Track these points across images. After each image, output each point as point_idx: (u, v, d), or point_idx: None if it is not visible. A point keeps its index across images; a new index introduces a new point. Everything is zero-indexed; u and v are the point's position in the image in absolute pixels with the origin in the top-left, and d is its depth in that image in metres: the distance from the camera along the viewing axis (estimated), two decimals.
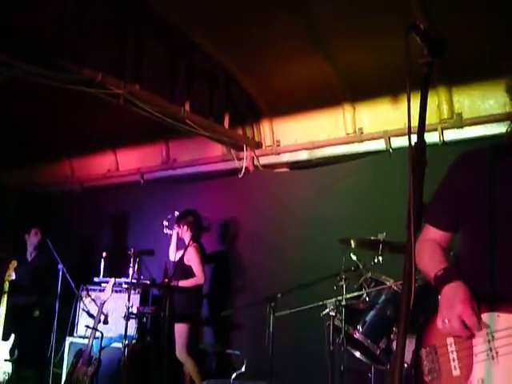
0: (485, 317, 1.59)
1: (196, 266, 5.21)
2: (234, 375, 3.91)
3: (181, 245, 5.47)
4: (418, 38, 1.33)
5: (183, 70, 4.91)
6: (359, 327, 3.46)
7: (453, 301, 1.62)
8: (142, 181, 6.73)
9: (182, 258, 5.16)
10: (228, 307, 5.07)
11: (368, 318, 3.50)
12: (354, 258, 3.84)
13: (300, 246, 5.33)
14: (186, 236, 5.39)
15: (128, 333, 4.66)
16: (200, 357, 5.26)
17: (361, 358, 3.64)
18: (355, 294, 3.61)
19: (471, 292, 1.63)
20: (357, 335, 3.45)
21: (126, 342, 4.59)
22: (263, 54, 4.91)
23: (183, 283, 5.13)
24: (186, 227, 5.40)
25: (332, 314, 3.53)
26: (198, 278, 5.18)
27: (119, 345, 4.79)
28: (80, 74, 3.90)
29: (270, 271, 5.55)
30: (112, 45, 4.25)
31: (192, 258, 5.24)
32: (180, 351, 5.05)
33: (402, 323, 1.20)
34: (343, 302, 3.51)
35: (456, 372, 1.62)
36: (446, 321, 1.61)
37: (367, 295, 3.58)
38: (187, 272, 5.21)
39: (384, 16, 3.95)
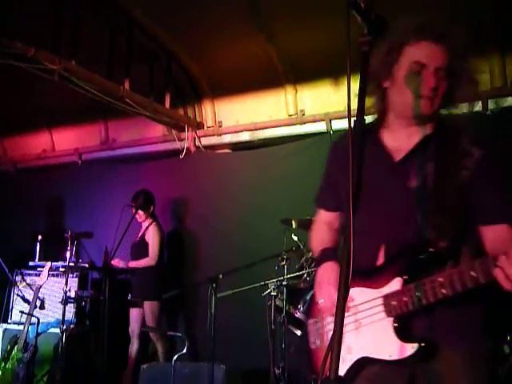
0: (352, 291, 1.69)
1: (152, 246, 5.16)
2: (175, 357, 3.89)
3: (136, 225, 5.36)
4: (359, 16, 1.33)
5: (123, 47, 4.77)
6: (300, 306, 3.52)
7: (321, 283, 1.81)
8: (79, 161, 6.53)
9: (142, 236, 5.15)
10: (171, 289, 5.02)
11: (308, 297, 3.56)
12: (295, 238, 3.89)
13: (242, 227, 5.35)
14: (141, 217, 5.29)
15: (66, 318, 4.55)
16: (142, 339, 5.21)
17: (302, 336, 3.71)
18: (296, 273, 3.66)
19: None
20: (298, 314, 3.51)
21: (64, 326, 4.48)
22: (206, 33, 4.85)
23: (132, 264, 5.08)
24: (138, 210, 5.28)
25: (273, 293, 3.58)
26: (150, 258, 5.13)
27: (57, 330, 4.67)
28: (12, 47, 3.73)
29: (212, 252, 5.55)
30: (47, 19, 4.06)
31: (152, 238, 5.19)
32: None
33: (340, 300, 1.23)
34: (284, 282, 3.56)
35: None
36: (321, 301, 1.79)
37: (308, 275, 3.64)
38: (146, 251, 5.17)
39: None
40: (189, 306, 5.31)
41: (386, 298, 1.63)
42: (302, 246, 3.84)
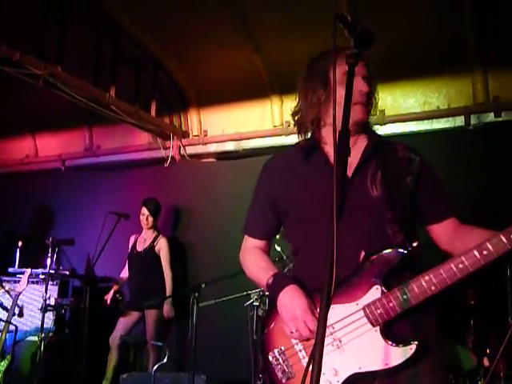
0: None
1: (166, 260, 5.21)
2: (155, 367, 3.86)
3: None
4: (345, 29, 1.35)
5: (109, 54, 4.75)
6: None
7: (293, 311, 1.68)
8: (63, 168, 6.46)
9: (151, 248, 5.19)
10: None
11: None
12: (278, 249, 3.89)
13: (225, 237, 5.32)
14: (149, 224, 5.28)
15: (45, 325, 4.49)
16: (123, 349, 5.16)
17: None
18: None
19: (304, 291, 1.72)
20: None
21: (43, 334, 4.42)
22: (193, 42, 4.85)
23: (169, 291, 5.11)
24: (149, 216, 5.27)
25: (256, 304, 3.57)
26: (169, 277, 5.16)
27: (35, 338, 4.60)
28: None
29: (195, 261, 5.53)
30: (34, 23, 4.03)
31: (164, 251, 5.23)
32: (153, 338, 5.00)
33: (322, 311, 1.21)
34: (267, 293, 3.55)
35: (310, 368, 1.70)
36: (294, 330, 1.68)
37: None
38: (154, 263, 5.19)
39: (313, 9, 4.01)
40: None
41: (368, 308, 1.62)
42: (284, 257, 3.84)
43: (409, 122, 4.76)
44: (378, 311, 1.61)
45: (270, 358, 1.78)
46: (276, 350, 1.78)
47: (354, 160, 1.72)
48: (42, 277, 5.12)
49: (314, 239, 1.75)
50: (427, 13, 4.06)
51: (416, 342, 1.58)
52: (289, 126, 5.26)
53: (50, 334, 4.86)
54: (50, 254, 4.85)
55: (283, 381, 1.74)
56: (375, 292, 1.63)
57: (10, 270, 5.51)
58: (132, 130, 5.76)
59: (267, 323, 1.83)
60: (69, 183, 6.32)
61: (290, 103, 5.93)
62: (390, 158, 1.77)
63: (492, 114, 4.51)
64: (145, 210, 5.25)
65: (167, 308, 5.01)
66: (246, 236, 2.05)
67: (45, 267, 4.93)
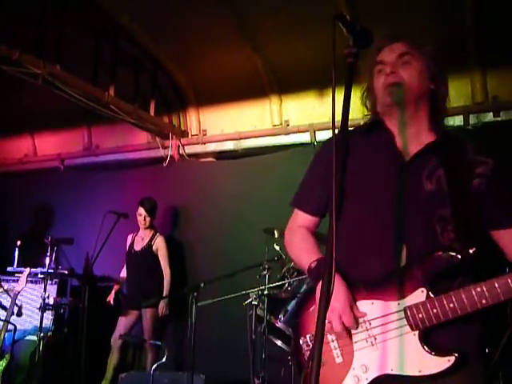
0: (361, 305, 1.65)
1: (164, 259, 5.20)
2: (154, 366, 3.85)
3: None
4: (344, 28, 1.34)
5: (108, 53, 4.75)
6: (281, 316, 3.51)
7: (331, 302, 1.59)
8: (61, 167, 6.46)
9: (149, 247, 5.17)
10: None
11: (289, 307, 3.55)
12: (277, 248, 3.89)
13: (224, 236, 5.34)
14: (146, 223, 5.27)
15: (44, 325, 4.48)
16: (122, 347, 5.16)
17: (282, 346, 3.69)
18: (277, 283, 3.66)
19: (345, 282, 1.66)
20: (278, 324, 3.50)
21: (42, 334, 4.41)
22: (192, 42, 4.85)
23: (167, 292, 5.08)
24: (146, 216, 5.26)
25: (254, 303, 3.57)
26: (168, 275, 5.14)
27: (34, 337, 4.59)
28: None
29: (194, 261, 5.53)
30: (32, 22, 4.03)
31: (162, 250, 5.22)
32: (151, 338, 4.99)
33: (321, 310, 1.20)
34: (265, 292, 3.55)
35: (339, 359, 1.68)
36: (327, 322, 1.61)
37: (289, 285, 3.64)
38: (152, 262, 5.18)
39: (312, 8, 4.01)
40: (169, 315, 5.26)
41: (410, 310, 1.56)
42: (283, 256, 3.84)
43: None
44: (420, 315, 1.54)
45: (301, 342, 1.75)
46: (308, 336, 1.75)
47: (413, 150, 1.70)
48: (40, 276, 5.11)
49: (363, 225, 1.71)
50: (426, 12, 4.06)
51: (456, 355, 1.51)
52: (288, 125, 5.27)
53: (49, 334, 4.84)
54: (48, 254, 4.84)
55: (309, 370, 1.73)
56: (420, 295, 1.57)
57: (9, 269, 5.49)
58: (131, 130, 5.75)
59: (304, 307, 1.79)
60: (68, 182, 6.31)
61: (289, 102, 5.95)
62: (458, 159, 1.69)
63: (491, 114, 4.51)
64: (142, 210, 5.24)
65: (162, 306, 5.00)
66: (295, 210, 1.94)
67: (43, 266, 4.92)
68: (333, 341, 1.69)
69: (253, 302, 3.57)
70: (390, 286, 1.61)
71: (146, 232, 5.31)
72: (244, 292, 3.65)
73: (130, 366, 5.42)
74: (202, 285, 3.71)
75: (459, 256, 1.55)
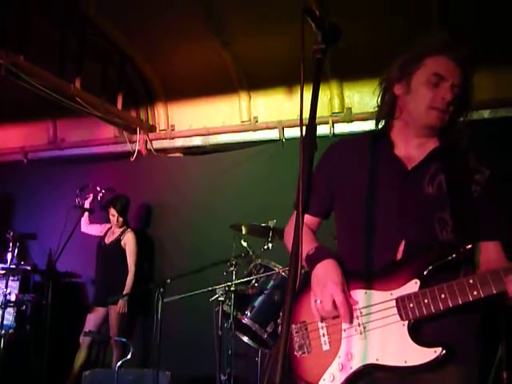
0: (354, 294, 1.68)
1: (131, 255, 5.10)
2: (119, 363, 3.81)
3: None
4: (313, 24, 1.35)
5: (75, 44, 4.65)
6: (247, 312, 3.51)
7: (324, 281, 1.66)
8: (25, 160, 6.31)
9: (118, 241, 5.09)
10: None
11: (256, 303, 3.57)
12: (244, 244, 3.89)
13: (192, 232, 5.32)
14: (119, 223, 5.19)
15: (5, 322, 4.39)
16: (90, 345, 5.09)
17: (248, 342, 3.70)
18: (245, 279, 3.66)
19: (342, 270, 1.70)
20: (245, 320, 3.50)
21: (3, 331, 4.32)
22: (161, 35, 4.81)
23: (128, 289, 4.96)
24: (118, 217, 5.17)
25: (221, 299, 3.56)
26: (131, 272, 5.03)
27: None
28: None
29: (161, 255, 5.49)
30: None
31: (130, 246, 5.12)
32: (116, 334, 4.92)
33: (287, 306, 1.21)
34: (232, 288, 3.55)
35: (326, 347, 1.70)
36: (319, 301, 1.65)
37: (256, 281, 3.64)
38: (119, 257, 5.09)
39: (282, 4, 4.01)
40: (135, 311, 5.21)
41: (402, 300, 1.58)
42: (251, 252, 3.84)
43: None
44: (411, 305, 1.56)
45: (292, 329, 1.77)
46: (299, 323, 1.77)
47: (418, 158, 1.73)
48: (2, 272, 5.00)
49: (360, 225, 1.75)
50: (397, 10, 4.10)
51: (440, 348, 1.51)
52: (256, 121, 5.27)
53: (11, 331, 4.75)
54: (10, 249, 4.74)
55: (297, 354, 1.74)
56: (413, 286, 1.58)
57: None
58: (97, 123, 5.65)
59: (298, 294, 1.79)
60: (31, 176, 6.17)
61: (258, 99, 5.93)
62: (459, 166, 1.72)
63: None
64: (113, 211, 5.16)
65: (120, 303, 4.91)
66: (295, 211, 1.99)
67: (5, 262, 4.82)
68: (322, 328, 1.71)
69: (219, 298, 3.56)
70: (385, 277, 1.64)
71: (118, 229, 5.24)
72: (211, 288, 3.64)
73: (96, 363, 5.34)
74: (169, 280, 3.68)
75: (454, 251, 1.57)
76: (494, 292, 1.47)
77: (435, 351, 1.51)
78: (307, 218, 1.92)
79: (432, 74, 1.67)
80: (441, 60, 1.69)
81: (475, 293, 1.48)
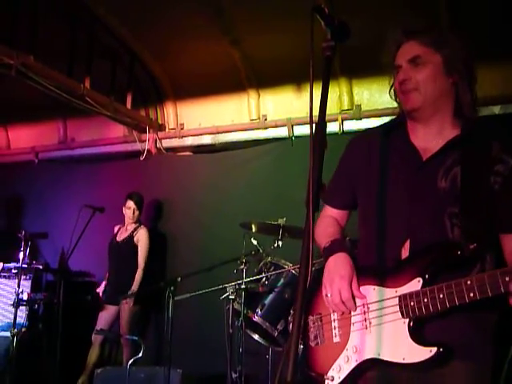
0: (364, 289, 1.71)
1: (143, 251, 5.10)
2: (130, 361, 3.83)
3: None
4: (323, 21, 1.35)
5: (84, 44, 4.68)
6: (258, 310, 3.52)
7: (333, 275, 1.71)
8: (36, 160, 6.35)
9: (130, 238, 5.10)
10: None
11: (267, 301, 3.57)
12: (254, 242, 3.89)
13: (202, 230, 5.32)
14: (134, 218, 5.21)
15: (18, 321, 4.41)
16: (103, 343, 5.11)
17: (259, 340, 3.71)
18: (255, 277, 3.66)
19: (352, 263, 1.73)
20: (255, 318, 3.51)
21: (15, 330, 4.34)
22: (170, 34, 4.81)
23: (136, 286, 4.97)
24: (135, 210, 5.19)
25: (232, 297, 3.56)
26: (141, 268, 5.04)
27: (7, 334, 4.52)
28: None
29: (171, 255, 5.50)
30: (4, 11, 3.94)
31: (143, 242, 5.12)
32: (127, 333, 4.93)
33: (298, 304, 1.21)
34: (243, 286, 3.55)
35: (336, 339, 1.76)
36: (329, 295, 1.71)
37: (266, 279, 3.64)
38: (132, 254, 5.09)
39: (291, 2, 3.99)
40: (146, 309, 5.24)
41: (404, 298, 1.60)
42: (261, 250, 3.85)
43: (384, 116, 4.78)
44: (412, 303, 1.57)
45: (309, 320, 1.85)
46: (316, 314, 1.84)
47: (435, 148, 1.70)
48: (14, 271, 5.03)
49: (371, 220, 1.78)
50: (406, 6, 4.07)
51: (436, 348, 1.51)
52: (265, 119, 5.27)
53: (23, 330, 4.77)
54: (22, 248, 4.76)
55: (312, 345, 1.83)
56: (416, 284, 1.59)
57: None
58: (107, 123, 5.68)
59: (316, 287, 1.83)
60: (42, 176, 6.22)
61: (267, 97, 5.92)
62: (479, 155, 1.66)
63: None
64: (131, 203, 5.16)
65: (129, 299, 4.93)
66: (324, 205, 2.03)
67: (17, 261, 4.85)
68: (334, 320, 1.78)
69: (230, 297, 3.56)
70: (393, 275, 1.66)
71: (132, 224, 5.26)
72: (221, 286, 3.64)
73: (108, 361, 5.37)
74: (179, 279, 3.69)
75: (459, 250, 1.56)
76: (490, 294, 1.44)
77: (430, 350, 1.52)
78: (333, 211, 1.99)
79: (394, 68, 1.77)
80: (398, 52, 1.76)
81: (471, 295, 1.47)
